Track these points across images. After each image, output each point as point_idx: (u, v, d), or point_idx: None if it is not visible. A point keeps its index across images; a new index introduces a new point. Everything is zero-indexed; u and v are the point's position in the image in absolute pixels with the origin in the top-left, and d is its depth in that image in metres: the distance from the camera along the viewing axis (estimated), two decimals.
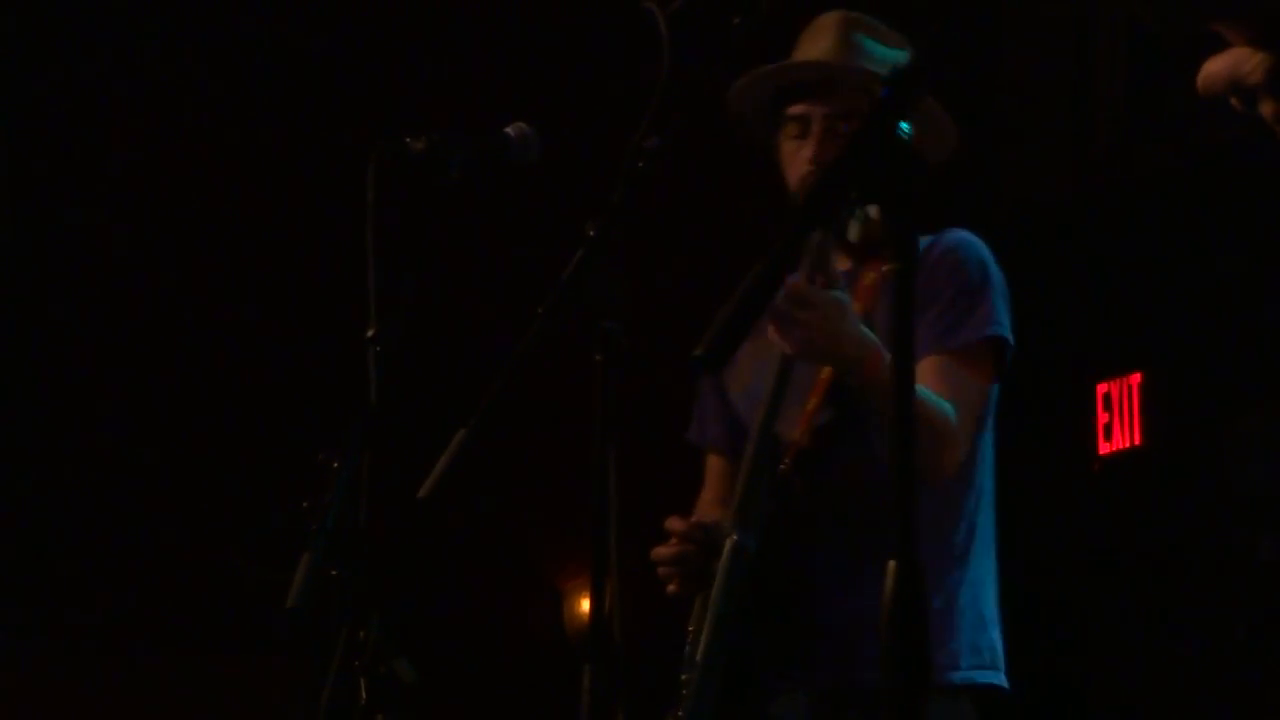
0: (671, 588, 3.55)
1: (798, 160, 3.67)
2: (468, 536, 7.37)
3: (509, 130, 3.57)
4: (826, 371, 3.52)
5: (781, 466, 3.51)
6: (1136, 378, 6.85)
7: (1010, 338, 3.61)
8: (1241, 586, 6.41)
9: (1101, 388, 6.95)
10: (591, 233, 3.05)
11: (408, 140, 3.49)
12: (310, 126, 7.47)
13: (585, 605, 3.32)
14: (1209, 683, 6.50)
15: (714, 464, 3.91)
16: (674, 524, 3.56)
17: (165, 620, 7.38)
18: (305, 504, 3.28)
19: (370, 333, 3.39)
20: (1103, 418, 6.94)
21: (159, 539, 7.40)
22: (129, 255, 7.58)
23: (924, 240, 3.58)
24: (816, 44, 3.73)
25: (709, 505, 3.87)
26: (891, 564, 1.94)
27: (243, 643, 7.12)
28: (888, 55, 3.66)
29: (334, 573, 3.27)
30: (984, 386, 3.61)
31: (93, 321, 7.56)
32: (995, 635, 3.71)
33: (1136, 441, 6.83)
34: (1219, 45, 1.75)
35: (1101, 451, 6.95)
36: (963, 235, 3.71)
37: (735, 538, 3.44)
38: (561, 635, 7.75)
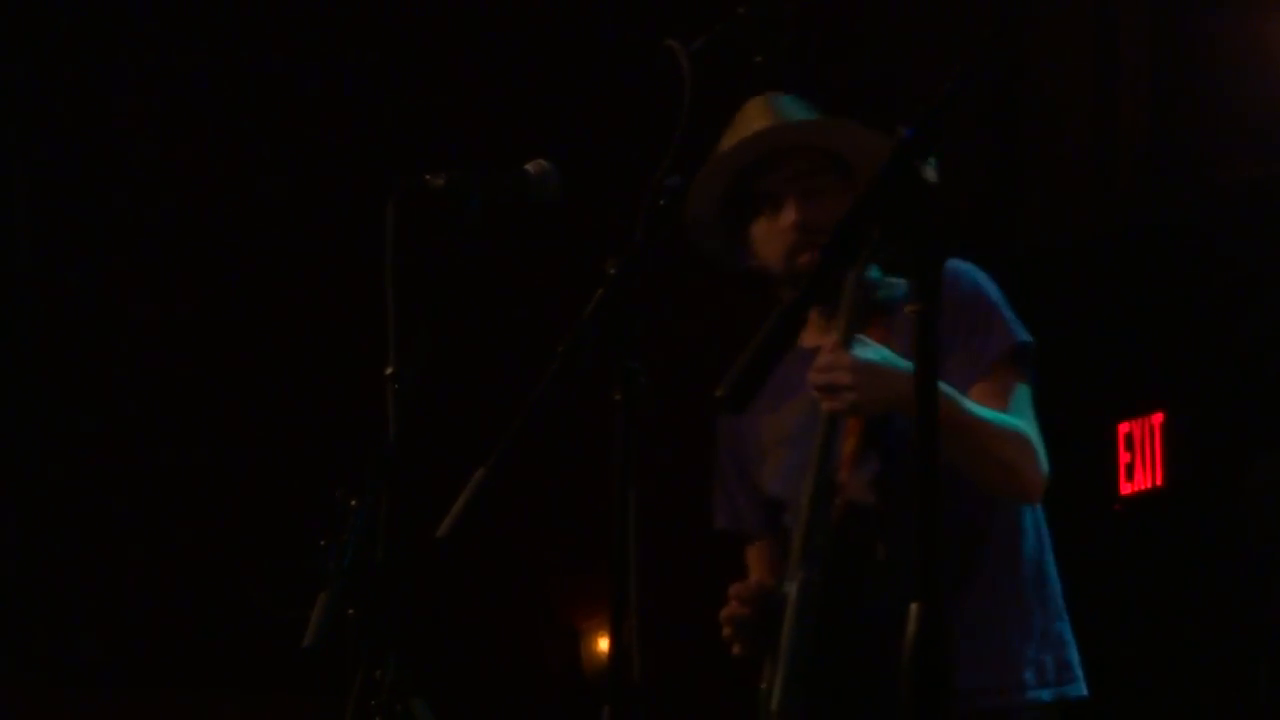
0: (736, 649, 3.54)
1: (776, 231, 3.62)
2: (486, 576, 7.35)
3: (529, 167, 3.56)
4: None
5: (834, 514, 3.47)
6: (1159, 418, 6.83)
7: (1029, 338, 3.63)
8: (1262, 627, 6.38)
9: (1124, 428, 6.93)
10: (612, 271, 3.04)
11: (427, 177, 3.48)
12: (331, 164, 7.47)
13: (604, 644, 3.31)
14: None
15: (755, 552, 3.86)
16: (736, 587, 3.55)
17: (183, 659, 7.37)
18: (323, 542, 3.27)
19: (389, 370, 3.38)
20: (1125, 458, 6.92)
21: (176, 577, 7.39)
22: (148, 294, 7.59)
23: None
24: (753, 125, 3.66)
25: None
26: (914, 607, 1.93)
27: (260, 682, 7.11)
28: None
29: (351, 612, 3.25)
30: (1024, 388, 3.62)
31: (113, 361, 7.56)
32: (1073, 643, 3.76)
33: (1159, 482, 6.81)
34: (1245, 79, 1.74)
35: (1123, 492, 6.93)
36: (953, 266, 3.62)
37: (803, 574, 3.42)
38: (580, 675, 7.73)
